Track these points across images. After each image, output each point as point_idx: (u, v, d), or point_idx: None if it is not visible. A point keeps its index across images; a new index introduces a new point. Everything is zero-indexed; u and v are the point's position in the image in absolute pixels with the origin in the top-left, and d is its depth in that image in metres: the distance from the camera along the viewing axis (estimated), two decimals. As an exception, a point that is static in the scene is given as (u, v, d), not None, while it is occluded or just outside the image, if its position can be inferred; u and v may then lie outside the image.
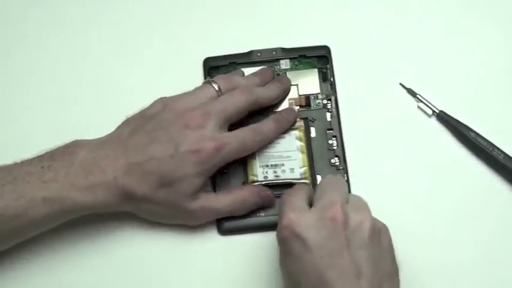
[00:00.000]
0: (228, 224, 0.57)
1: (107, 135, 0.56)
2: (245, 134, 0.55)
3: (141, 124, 0.55)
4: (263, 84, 0.59)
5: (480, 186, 0.60)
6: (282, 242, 0.48)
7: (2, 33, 0.66)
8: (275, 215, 0.56)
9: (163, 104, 0.56)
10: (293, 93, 0.61)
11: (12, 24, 0.66)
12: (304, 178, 0.57)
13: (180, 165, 0.53)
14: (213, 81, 0.57)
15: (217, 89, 0.56)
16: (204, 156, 0.53)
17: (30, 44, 0.66)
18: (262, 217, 0.57)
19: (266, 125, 0.57)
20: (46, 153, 0.54)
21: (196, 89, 0.57)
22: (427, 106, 0.62)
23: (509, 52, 0.64)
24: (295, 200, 0.50)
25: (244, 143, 0.55)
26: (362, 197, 0.51)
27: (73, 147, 0.54)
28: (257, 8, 0.66)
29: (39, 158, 0.54)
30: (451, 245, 0.58)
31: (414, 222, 0.58)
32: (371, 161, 0.60)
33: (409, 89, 0.63)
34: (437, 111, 0.61)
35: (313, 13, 0.66)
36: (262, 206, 0.57)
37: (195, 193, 0.54)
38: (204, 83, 0.57)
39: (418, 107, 0.62)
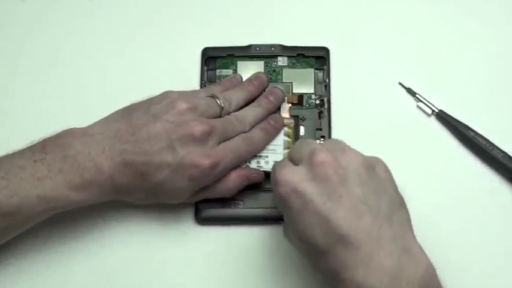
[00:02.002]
0: (205, 213, 0.58)
1: (103, 124, 0.56)
2: (239, 145, 0.57)
3: (144, 121, 0.55)
4: (258, 93, 0.61)
5: (479, 185, 0.61)
6: (281, 201, 0.48)
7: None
8: (253, 207, 0.58)
9: (170, 101, 0.56)
10: (287, 91, 0.62)
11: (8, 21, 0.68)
12: None
13: (175, 177, 0.54)
14: (218, 97, 0.58)
15: (221, 108, 0.57)
16: (200, 172, 0.54)
17: (29, 37, 0.68)
18: (240, 208, 0.58)
19: (256, 134, 0.58)
20: (38, 143, 0.54)
21: (203, 97, 0.58)
22: (427, 105, 0.63)
23: (508, 51, 0.65)
24: (282, 162, 0.51)
25: (239, 153, 0.57)
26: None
27: (66, 137, 0.54)
28: (260, 4, 0.68)
29: (31, 150, 0.53)
30: (450, 244, 0.58)
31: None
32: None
33: (409, 88, 0.63)
34: (437, 111, 0.62)
35: (314, 13, 0.68)
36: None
37: (185, 199, 0.57)
38: (210, 97, 0.58)
39: (418, 107, 0.63)
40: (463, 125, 0.61)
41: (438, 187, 0.60)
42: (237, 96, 0.59)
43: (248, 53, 0.63)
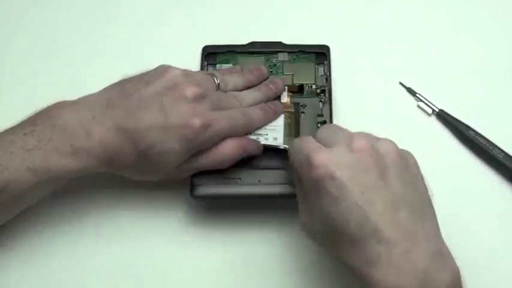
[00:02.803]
0: (201, 191, 0.56)
1: (94, 95, 0.55)
2: (236, 115, 0.55)
3: (137, 88, 0.54)
4: (257, 82, 0.60)
5: (479, 185, 0.61)
6: (315, 184, 0.45)
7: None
8: (252, 184, 0.56)
9: (164, 69, 0.55)
10: (287, 81, 0.61)
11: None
12: (287, 146, 0.56)
13: (166, 138, 0.52)
14: (215, 76, 0.57)
15: (217, 85, 0.57)
16: (191, 132, 0.52)
17: (27, 35, 0.68)
18: (239, 185, 0.56)
19: (254, 111, 0.57)
20: (28, 118, 0.53)
21: (200, 72, 0.58)
22: (427, 105, 0.63)
23: (509, 51, 0.65)
24: (311, 141, 0.48)
25: (234, 122, 0.55)
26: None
27: (55, 108, 0.53)
28: (261, 4, 0.69)
29: (21, 125, 0.53)
30: (449, 244, 0.57)
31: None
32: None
33: (409, 88, 0.64)
34: (437, 110, 0.62)
35: (315, 13, 0.68)
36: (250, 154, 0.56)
37: (178, 166, 0.54)
38: (207, 74, 0.58)
39: (418, 106, 0.63)
40: (463, 125, 0.61)
41: (438, 187, 0.59)
42: (235, 80, 0.59)
43: (248, 49, 0.63)
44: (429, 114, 0.63)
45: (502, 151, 0.60)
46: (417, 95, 0.63)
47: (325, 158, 0.45)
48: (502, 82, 0.64)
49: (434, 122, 0.63)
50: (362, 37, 0.66)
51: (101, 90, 0.56)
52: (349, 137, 0.47)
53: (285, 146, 0.56)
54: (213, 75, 0.57)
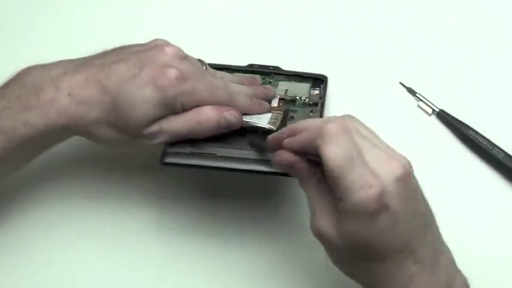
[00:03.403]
0: (172, 158, 0.52)
1: (72, 59, 0.54)
2: (219, 88, 0.53)
3: (118, 49, 0.54)
4: (249, 84, 0.59)
5: (479, 184, 0.61)
6: (369, 215, 0.42)
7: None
8: (226, 159, 0.52)
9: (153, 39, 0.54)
10: (280, 93, 0.60)
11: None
12: (272, 126, 0.54)
13: (138, 86, 0.50)
14: (205, 63, 0.55)
15: (205, 68, 0.55)
16: (165, 81, 0.49)
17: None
18: (212, 158, 0.52)
19: (239, 96, 0.55)
20: (1, 85, 0.52)
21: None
22: (427, 105, 0.63)
23: (509, 51, 0.65)
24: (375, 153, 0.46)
25: (215, 93, 0.52)
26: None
27: (27, 70, 0.52)
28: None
29: None
30: (449, 244, 0.58)
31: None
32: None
33: (409, 88, 0.64)
34: (437, 110, 0.63)
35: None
36: (228, 128, 0.53)
37: (151, 123, 0.51)
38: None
39: (418, 106, 0.64)
40: (463, 125, 0.62)
41: (438, 186, 0.60)
42: (224, 73, 0.57)
43: (246, 69, 0.62)
44: (429, 114, 0.63)
45: (502, 151, 0.60)
46: (417, 95, 0.64)
47: (381, 188, 0.42)
48: (503, 82, 0.64)
49: (434, 122, 0.63)
50: (362, 37, 0.66)
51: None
52: (389, 156, 0.45)
53: (269, 126, 0.54)
54: (201, 60, 0.55)
